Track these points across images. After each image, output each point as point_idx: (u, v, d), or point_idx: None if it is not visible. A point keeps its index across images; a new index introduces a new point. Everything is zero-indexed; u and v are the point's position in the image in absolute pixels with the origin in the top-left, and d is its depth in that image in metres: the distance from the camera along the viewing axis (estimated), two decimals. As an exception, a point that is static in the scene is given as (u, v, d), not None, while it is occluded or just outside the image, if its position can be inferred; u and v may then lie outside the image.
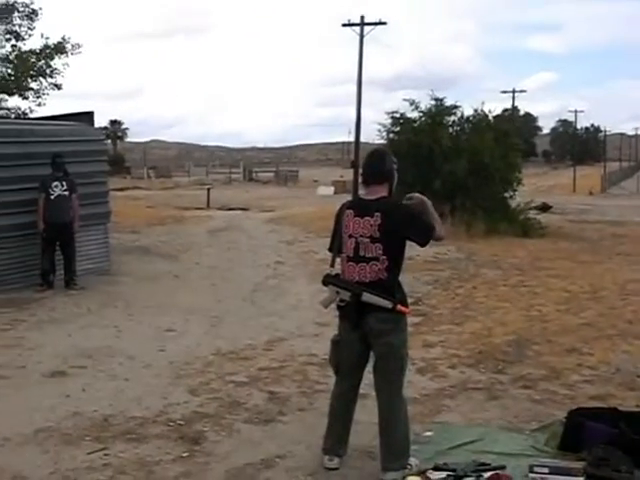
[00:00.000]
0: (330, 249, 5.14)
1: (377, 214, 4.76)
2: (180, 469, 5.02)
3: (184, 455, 5.26)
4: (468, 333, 8.80)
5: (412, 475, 4.30)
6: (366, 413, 5.38)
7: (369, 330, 4.81)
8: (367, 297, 4.73)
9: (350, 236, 4.86)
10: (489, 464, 4.47)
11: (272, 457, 5.18)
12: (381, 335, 4.79)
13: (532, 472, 4.31)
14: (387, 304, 4.70)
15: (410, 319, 9.32)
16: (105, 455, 5.25)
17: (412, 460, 4.80)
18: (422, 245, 4.93)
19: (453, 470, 4.37)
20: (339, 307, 4.96)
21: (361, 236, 4.80)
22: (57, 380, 7.13)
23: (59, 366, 7.54)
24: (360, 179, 4.98)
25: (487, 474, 4.27)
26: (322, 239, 18.67)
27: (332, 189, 49.93)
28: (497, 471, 4.31)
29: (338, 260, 5.05)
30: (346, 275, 4.91)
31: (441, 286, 12.08)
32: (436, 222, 4.92)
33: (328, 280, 4.98)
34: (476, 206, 20.72)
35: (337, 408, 5.11)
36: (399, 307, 4.74)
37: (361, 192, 5.10)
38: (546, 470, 4.29)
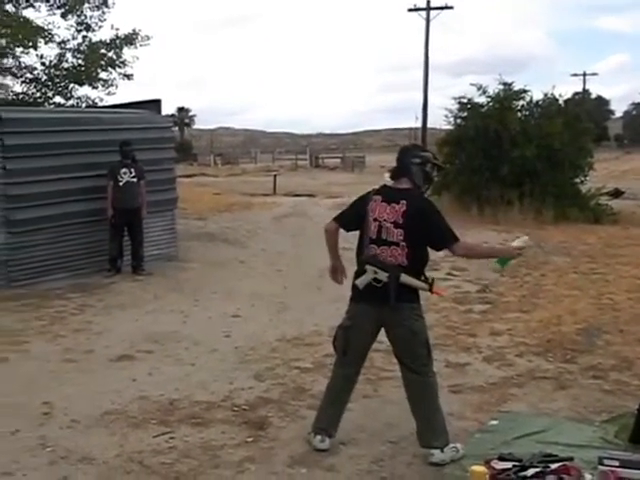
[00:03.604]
0: (337, 218, 5.30)
1: (402, 201, 4.88)
2: (244, 454, 5.05)
3: (248, 440, 5.29)
4: (536, 321, 8.64)
5: (477, 465, 4.21)
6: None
7: (387, 320, 4.96)
8: (405, 278, 4.84)
9: (375, 219, 4.95)
10: (556, 455, 4.36)
11: (336, 444, 5.17)
12: (401, 324, 4.92)
13: (602, 464, 4.15)
14: (425, 286, 4.90)
15: (477, 307, 9.33)
16: (170, 438, 5.32)
17: (458, 445, 4.85)
18: (437, 249, 5.05)
19: (519, 460, 4.25)
20: (366, 288, 5.00)
21: (385, 220, 4.91)
22: (124, 364, 7.25)
23: (126, 350, 7.66)
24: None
25: (554, 465, 4.15)
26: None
27: (399, 175, 49.66)
28: (565, 462, 4.19)
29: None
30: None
31: (509, 274, 11.89)
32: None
33: (367, 260, 5.01)
34: (545, 192, 20.29)
35: (339, 391, 5.23)
36: (435, 289, 4.94)
37: (389, 182, 5.17)
38: (616, 463, 4.14)
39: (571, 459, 4.30)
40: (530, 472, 4.11)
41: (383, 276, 4.87)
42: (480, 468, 4.12)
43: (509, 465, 4.24)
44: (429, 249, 5.03)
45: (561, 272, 12.08)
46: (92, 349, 7.75)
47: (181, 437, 5.34)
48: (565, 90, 35.68)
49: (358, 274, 5.06)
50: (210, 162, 70.90)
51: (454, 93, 22.71)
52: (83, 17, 19.05)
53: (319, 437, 5.12)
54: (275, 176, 34.89)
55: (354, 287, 5.11)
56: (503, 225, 17.70)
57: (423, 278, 4.95)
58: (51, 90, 19.43)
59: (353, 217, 5.16)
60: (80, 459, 4.97)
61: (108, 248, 11.95)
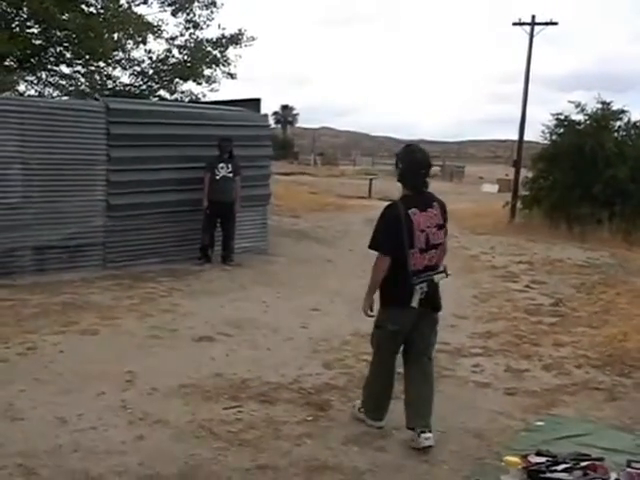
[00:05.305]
0: (387, 253, 5.34)
1: (434, 204, 5.43)
2: (304, 430, 5.50)
3: (309, 419, 5.73)
4: (602, 336, 8.74)
5: (512, 457, 4.53)
6: (487, 401, 5.64)
7: (423, 318, 5.40)
8: (438, 277, 5.38)
9: (422, 231, 5.28)
10: (589, 455, 4.64)
11: (389, 429, 5.57)
12: (434, 321, 5.53)
13: (629, 467, 4.42)
14: (444, 274, 5.41)
15: (547, 319, 9.54)
16: (238, 412, 5.80)
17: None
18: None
19: (554, 457, 4.58)
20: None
21: (428, 227, 5.30)
22: (204, 344, 7.78)
23: (207, 332, 8.18)
24: (411, 180, 5.41)
25: (584, 463, 4.45)
26: (476, 236, 18.79)
27: (496, 187, 49.36)
28: (594, 462, 4.48)
29: None
30: (417, 265, 5.29)
31: (585, 290, 11.97)
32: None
33: (416, 282, 5.28)
34: (636, 213, 20.18)
35: (391, 385, 5.64)
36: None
37: (406, 192, 5.45)
38: (644, 467, 4.40)
39: (602, 459, 4.58)
40: (560, 467, 4.43)
41: (425, 287, 5.28)
42: (514, 458, 4.47)
43: (543, 460, 4.56)
44: None
45: (638, 292, 12.00)
46: (176, 328, 8.30)
47: (248, 411, 5.82)
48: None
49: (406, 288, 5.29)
50: (311, 161, 71.55)
51: (561, 108, 22.56)
52: (192, 15, 19.72)
53: (380, 423, 5.62)
54: (371, 180, 35.27)
55: (400, 293, 5.33)
56: (590, 243, 17.74)
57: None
58: (156, 83, 20.18)
59: (397, 242, 5.24)
60: (156, 421, 5.50)
61: (200, 238, 12.52)
